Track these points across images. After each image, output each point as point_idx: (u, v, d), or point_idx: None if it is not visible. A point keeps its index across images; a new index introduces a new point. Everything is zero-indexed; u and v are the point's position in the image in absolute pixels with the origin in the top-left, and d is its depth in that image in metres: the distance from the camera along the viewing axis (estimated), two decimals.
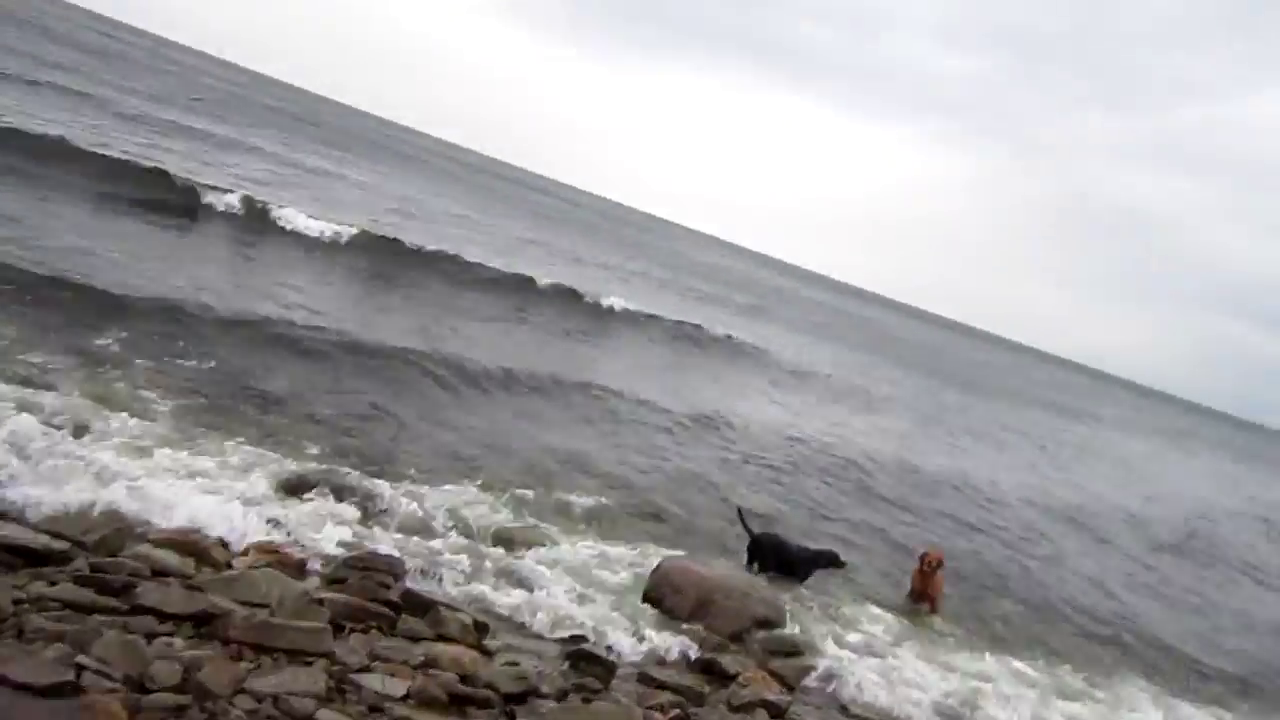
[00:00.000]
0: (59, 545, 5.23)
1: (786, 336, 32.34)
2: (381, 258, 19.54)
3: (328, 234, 18.93)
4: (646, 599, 7.31)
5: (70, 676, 4.02)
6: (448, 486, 8.52)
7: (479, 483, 8.88)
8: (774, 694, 6.19)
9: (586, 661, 5.93)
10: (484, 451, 10.02)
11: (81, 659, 4.17)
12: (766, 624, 7.26)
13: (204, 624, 4.94)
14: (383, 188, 32.82)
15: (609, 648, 6.34)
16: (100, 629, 4.49)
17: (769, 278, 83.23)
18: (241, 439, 8.04)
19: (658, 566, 7.48)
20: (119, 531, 5.65)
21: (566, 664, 5.90)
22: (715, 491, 11.31)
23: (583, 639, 6.33)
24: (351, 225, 19.87)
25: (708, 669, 6.46)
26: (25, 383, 7.62)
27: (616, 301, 22.71)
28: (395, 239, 20.75)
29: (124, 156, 18.65)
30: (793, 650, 7.17)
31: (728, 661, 6.52)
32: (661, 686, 5.96)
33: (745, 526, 9.19)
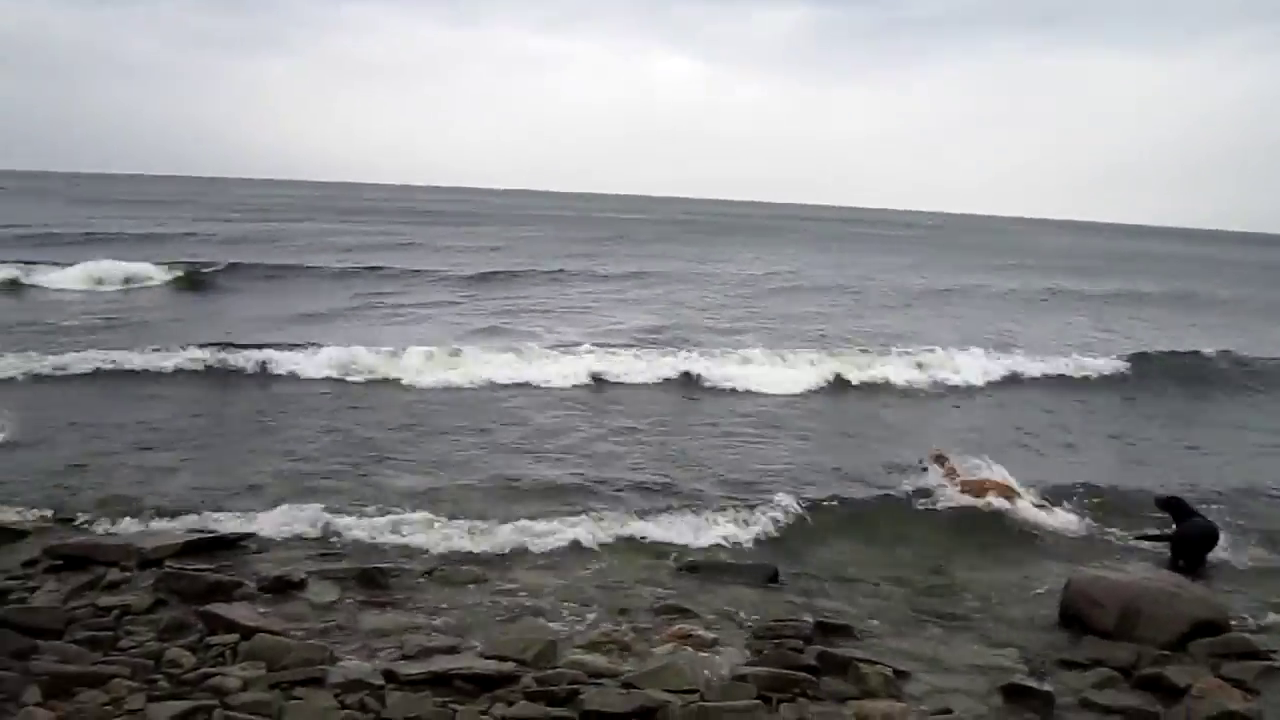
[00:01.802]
0: (506, 667, 5.74)
1: None
2: None
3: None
4: (1063, 617, 6.93)
5: None
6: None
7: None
8: (1238, 703, 5.58)
9: (1021, 695, 5.71)
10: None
11: None
12: (1208, 626, 6.55)
13: (647, 719, 5.24)
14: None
15: (1041, 676, 6.04)
16: None
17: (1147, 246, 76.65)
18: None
19: (1068, 583, 7.06)
20: (550, 644, 6.10)
21: (1000, 699, 5.71)
22: None
23: (1011, 671, 6.08)
24: None
25: (1152, 685, 5.95)
26: None
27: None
28: None
29: None
30: (1246, 651, 6.40)
31: (1174, 673, 5.96)
32: (1107, 710, 5.62)
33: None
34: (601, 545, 8.21)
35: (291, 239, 37.39)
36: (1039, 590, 7.56)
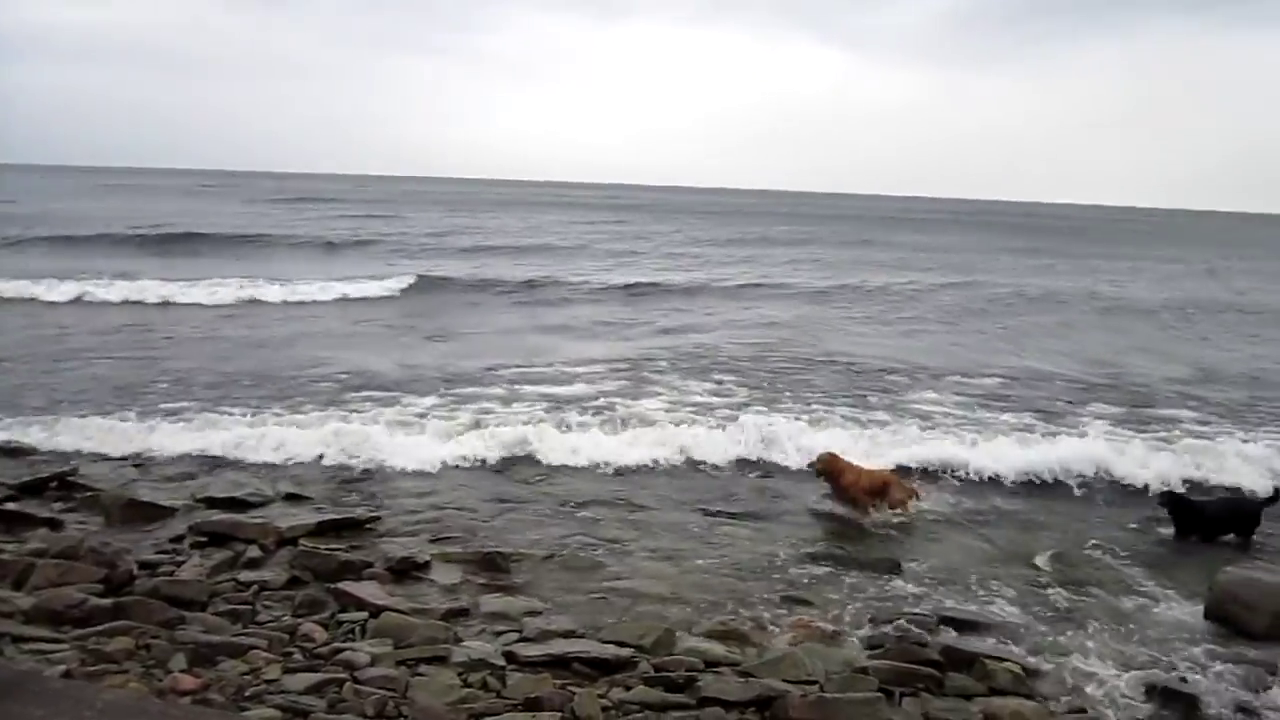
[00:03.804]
0: (624, 652, 5.77)
1: None
2: None
3: None
4: (1209, 617, 6.59)
5: None
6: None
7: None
8: None
9: (1163, 697, 5.45)
10: None
11: None
12: None
13: (765, 708, 5.19)
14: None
15: (1183, 679, 5.75)
16: None
17: None
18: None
19: (1213, 582, 6.72)
20: (668, 632, 6.10)
21: (1140, 699, 5.46)
22: None
23: (1151, 671, 5.81)
24: None
25: None
26: None
27: None
28: None
29: None
30: None
31: None
32: (1256, 715, 5.32)
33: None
34: (719, 535, 8.19)
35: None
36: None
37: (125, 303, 21.19)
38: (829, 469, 9.04)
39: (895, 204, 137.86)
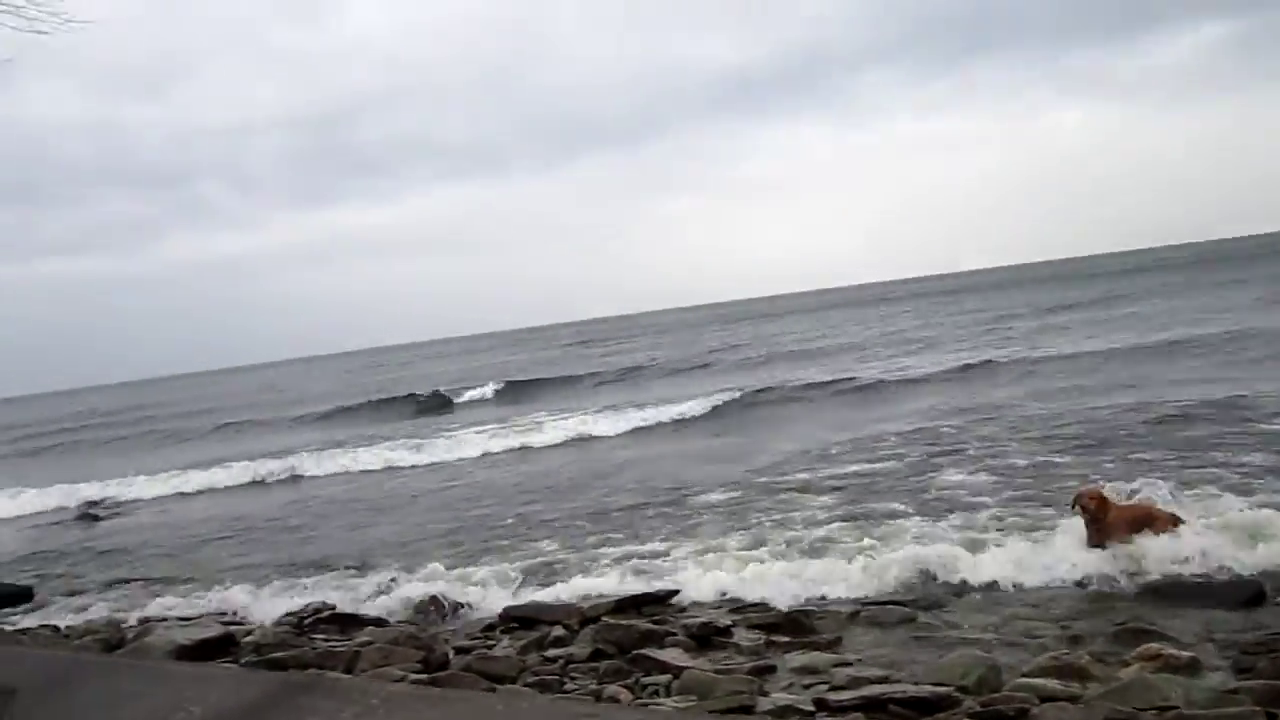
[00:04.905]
0: (943, 690, 5.31)
1: None
2: None
3: None
4: None
5: None
6: None
7: None
8: None
9: None
10: None
11: None
12: None
13: None
14: None
15: None
16: None
17: None
18: None
19: None
20: (993, 669, 5.57)
21: None
22: None
23: None
24: None
25: None
26: None
27: None
28: None
29: None
30: None
31: None
32: None
33: None
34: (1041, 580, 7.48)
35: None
36: None
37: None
38: (1101, 507, 7.74)
39: (1206, 248, 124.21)
